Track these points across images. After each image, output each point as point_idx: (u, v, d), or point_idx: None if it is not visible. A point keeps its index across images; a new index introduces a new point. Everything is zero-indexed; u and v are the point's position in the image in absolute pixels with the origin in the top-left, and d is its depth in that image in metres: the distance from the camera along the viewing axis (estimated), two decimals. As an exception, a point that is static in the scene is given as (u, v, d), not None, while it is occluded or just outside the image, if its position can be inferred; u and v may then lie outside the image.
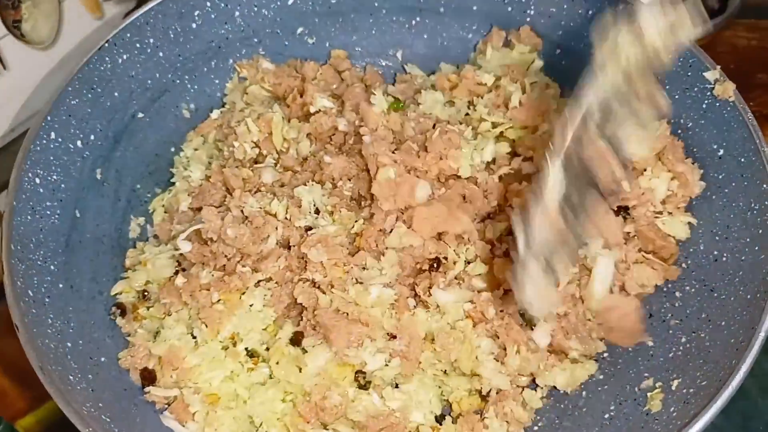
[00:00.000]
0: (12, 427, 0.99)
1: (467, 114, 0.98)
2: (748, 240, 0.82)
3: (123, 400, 0.80)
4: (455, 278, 0.85)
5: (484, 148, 0.93)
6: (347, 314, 0.81)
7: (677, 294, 0.88)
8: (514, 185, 0.90)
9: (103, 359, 0.82)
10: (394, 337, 0.82)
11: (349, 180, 0.90)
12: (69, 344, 0.79)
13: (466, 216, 0.86)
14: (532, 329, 0.83)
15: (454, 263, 0.85)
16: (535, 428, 0.85)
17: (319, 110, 0.96)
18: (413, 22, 1.07)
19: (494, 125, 0.95)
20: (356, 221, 0.87)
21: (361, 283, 0.83)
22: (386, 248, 0.84)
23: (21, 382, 1.01)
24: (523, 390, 0.85)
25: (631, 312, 0.85)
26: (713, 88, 0.88)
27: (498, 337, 0.83)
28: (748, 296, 0.78)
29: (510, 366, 0.83)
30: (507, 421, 0.83)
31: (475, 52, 1.06)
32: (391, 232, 0.85)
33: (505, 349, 0.83)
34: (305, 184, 0.90)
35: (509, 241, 0.86)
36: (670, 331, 0.85)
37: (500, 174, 0.91)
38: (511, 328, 0.83)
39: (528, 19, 1.02)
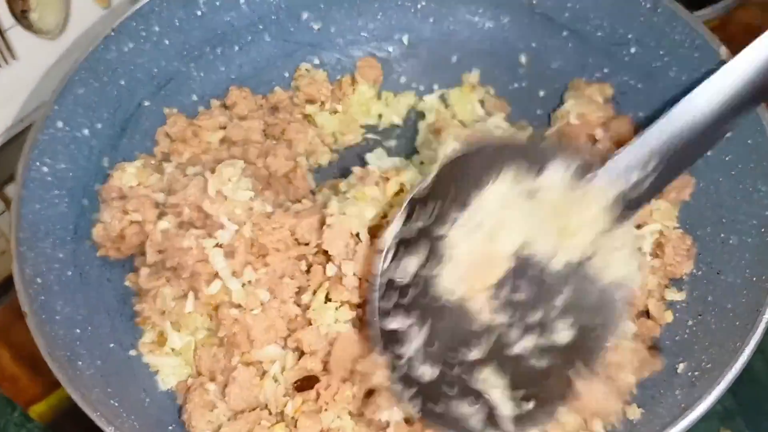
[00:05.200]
0: (26, 414, 1.00)
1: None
2: (754, 222, 0.82)
3: (131, 386, 0.81)
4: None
5: None
6: None
7: (684, 277, 0.88)
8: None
9: (112, 345, 0.83)
10: None
11: None
12: (78, 330, 0.80)
13: None
14: None
15: None
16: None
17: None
18: (419, 5, 1.07)
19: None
20: None
21: None
22: None
23: (33, 369, 1.03)
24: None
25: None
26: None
27: None
28: (754, 278, 0.78)
29: None
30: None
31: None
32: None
33: None
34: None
35: None
36: (677, 315, 0.86)
37: None
38: None
39: (535, 1, 1.02)
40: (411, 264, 0.71)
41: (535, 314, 0.72)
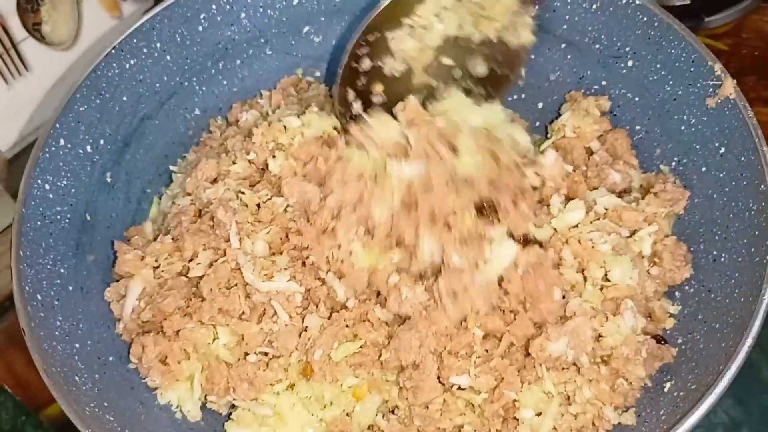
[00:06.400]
0: (37, 418, 1.03)
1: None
2: (745, 241, 0.81)
3: (129, 399, 0.83)
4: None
5: None
6: None
7: (676, 294, 0.88)
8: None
9: (111, 358, 0.85)
10: None
11: None
12: (77, 345, 0.82)
13: None
14: None
15: None
16: None
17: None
18: (418, 17, 1.07)
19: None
20: None
21: None
22: None
23: (46, 374, 1.06)
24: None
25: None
26: (715, 85, 0.87)
27: None
28: (742, 299, 0.78)
29: None
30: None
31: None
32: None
33: None
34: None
35: None
36: (668, 332, 0.85)
37: None
38: None
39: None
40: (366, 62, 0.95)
41: (456, 71, 0.98)
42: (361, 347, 0.85)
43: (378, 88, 0.97)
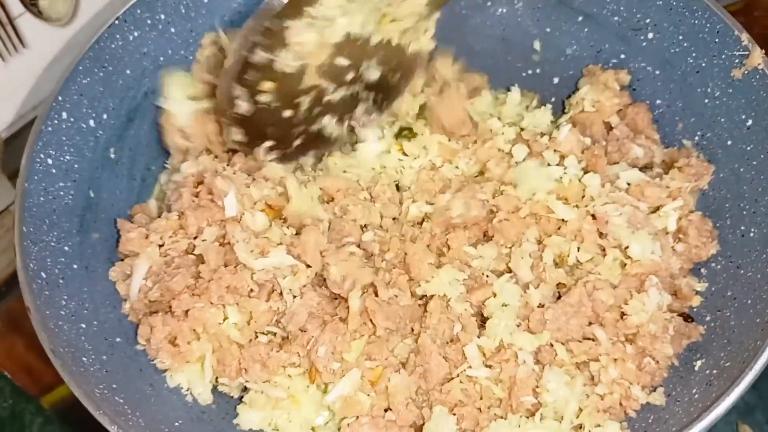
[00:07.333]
0: (38, 404, 1.01)
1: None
2: (775, 214, 0.79)
3: (138, 381, 0.80)
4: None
5: None
6: None
7: (703, 271, 0.85)
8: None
9: (118, 339, 0.83)
10: None
11: None
12: (83, 325, 0.79)
13: None
14: None
15: None
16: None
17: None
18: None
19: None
20: None
21: None
22: None
23: (47, 358, 1.02)
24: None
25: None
26: (741, 55, 0.84)
27: None
28: (775, 274, 0.76)
29: None
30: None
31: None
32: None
33: None
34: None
35: None
36: (695, 309, 0.83)
37: None
38: None
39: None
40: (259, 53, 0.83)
41: (349, 74, 0.89)
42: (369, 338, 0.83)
43: (267, 85, 0.84)
